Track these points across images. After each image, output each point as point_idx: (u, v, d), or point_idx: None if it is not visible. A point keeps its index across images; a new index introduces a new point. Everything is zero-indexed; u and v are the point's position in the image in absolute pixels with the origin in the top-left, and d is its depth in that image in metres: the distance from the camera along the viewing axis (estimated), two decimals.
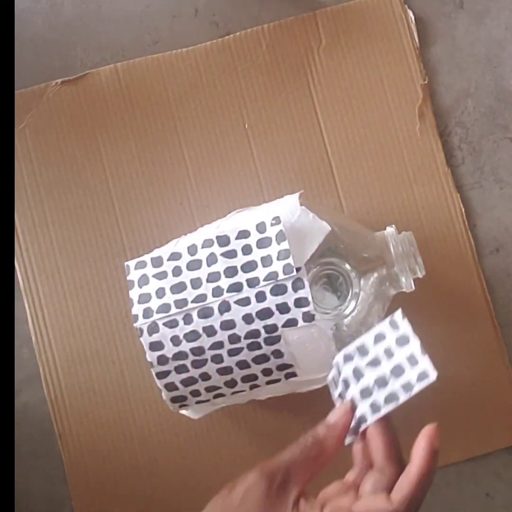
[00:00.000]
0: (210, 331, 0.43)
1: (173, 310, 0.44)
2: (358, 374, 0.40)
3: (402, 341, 0.39)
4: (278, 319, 0.43)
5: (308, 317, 0.43)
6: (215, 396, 0.46)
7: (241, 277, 0.43)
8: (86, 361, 0.53)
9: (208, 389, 0.45)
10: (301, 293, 0.43)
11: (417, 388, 0.38)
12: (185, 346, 0.44)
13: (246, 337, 0.43)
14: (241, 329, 0.43)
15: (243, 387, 0.45)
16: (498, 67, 0.57)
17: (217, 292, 0.43)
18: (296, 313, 0.43)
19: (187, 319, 0.44)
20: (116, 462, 0.53)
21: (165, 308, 0.44)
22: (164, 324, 0.44)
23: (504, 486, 0.54)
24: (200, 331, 0.43)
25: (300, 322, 0.43)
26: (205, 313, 0.43)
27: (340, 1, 0.56)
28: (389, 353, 0.39)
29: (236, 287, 0.43)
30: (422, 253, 0.47)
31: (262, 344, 0.43)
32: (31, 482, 0.53)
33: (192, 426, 0.52)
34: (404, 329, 0.39)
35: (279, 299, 0.43)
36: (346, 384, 0.40)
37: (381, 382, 0.38)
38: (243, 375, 0.45)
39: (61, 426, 0.53)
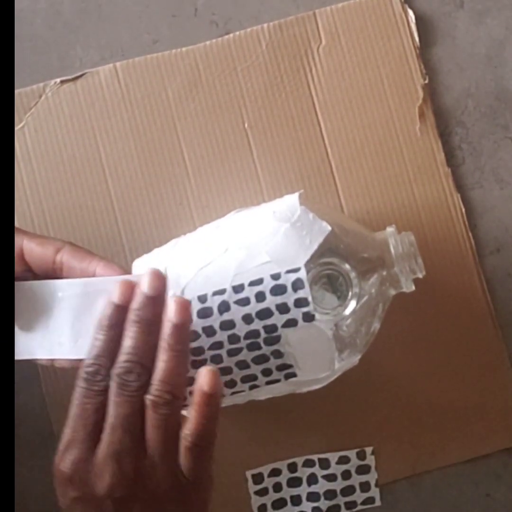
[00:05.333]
0: (209, 331, 0.43)
1: None
2: None
3: None
4: (277, 319, 0.43)
5: (308, 317, 0.43)
6: None
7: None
8: None
9: None
10: (301, 293, 0.42)
11: None
12: None
13: (245, 337, 0.43)
14: (241, 329, 0.43)
15: (242, 388, 0.45)
16: (499, 67, 0.57)
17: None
18: (296, 313, 0.43)
19: None
20: None
21: None
22: None
23: (504, 486, 0.54)
24: (200, 331, 0.43)
25: (300, 322, 0.43)
26: (205, 313, 0.43)
27: (340, 0, 0.56)
28: None
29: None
30: (422, 253, 0.47)
31: (262, 344, 0.43)
32: (31, 483, 0.53)
33: None
34: None
35: (279, 299, 0.43)
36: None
37: None
38: (242, 375, 0.44)
39: (60, 427, 0.53)
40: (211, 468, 0.40)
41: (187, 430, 0.39)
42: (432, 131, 0.55)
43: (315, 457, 0.53)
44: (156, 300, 0.40)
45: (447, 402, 0.54)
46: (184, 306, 0.39)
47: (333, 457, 0.53)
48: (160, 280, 0.40)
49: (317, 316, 0.43)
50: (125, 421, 0.38)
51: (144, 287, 0.39)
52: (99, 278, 0.43)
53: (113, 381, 0.38)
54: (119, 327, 0.39)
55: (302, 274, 0.43)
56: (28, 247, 0.44)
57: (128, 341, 0.39)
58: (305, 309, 0.43)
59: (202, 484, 0.40)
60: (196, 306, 0.43)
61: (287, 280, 0.43)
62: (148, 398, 0.38)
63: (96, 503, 0.38)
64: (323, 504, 0.53)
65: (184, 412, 0.40)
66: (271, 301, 0.43)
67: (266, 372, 0.44)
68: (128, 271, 0.44)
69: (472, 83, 0.57)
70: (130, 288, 0.40)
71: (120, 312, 0.39)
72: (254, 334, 0.43)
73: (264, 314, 0.43)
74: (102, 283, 0.42)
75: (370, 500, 0.53)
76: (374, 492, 0.53)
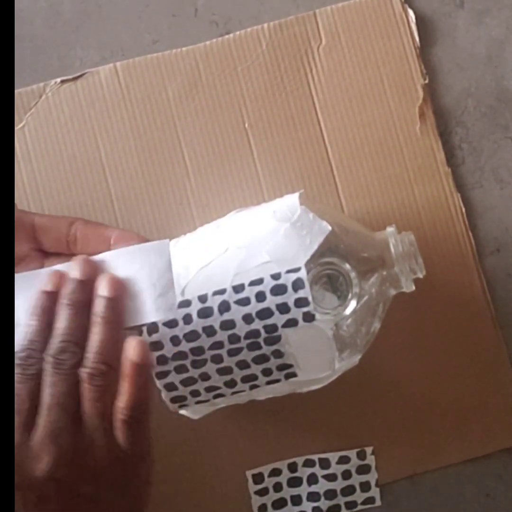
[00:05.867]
0: (209, 331, 0.43)
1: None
2: None
3: None
4: (278, 319, 0.43)
5: (308, 317, 0.43)
6: (215, 396, 0.46)
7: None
8: None
9: (208, 389, 0.45)
10: (301, 293, 0.42)
11: None
12: (185, 346, 0.44)
13: (246, 337, 0.43)
14: (241, 329, 0.43)
15: (243, 387, 0.45)
16: (499, 67, 0.57)
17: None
18: (296, 313, 0.43)
19: (187, 319, 0.43)
20: None
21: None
22: (163, 324, 0.44)
23: (504, 487, 0.54)
24: (200, 331, 0.43)
25: (300, 322, 0.43)
26: (205, 313, 0.43)
27: (340, 0, 0.56)
28: None
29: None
30: (423, 253, 0.47)
31: (262, 344, 0.43)
32: None
33: (192, 427, 0.52)
34: None
35: (279, 299, 0.43)
36: None
37: None
38: (243, 375, 0.44)
39: None
40: (149, 440, 0.41)
41: (120, 403, 0.39)
42: (432, 131, 0.55)
43: (315, 457, 0.53)
44: (86, 283, 0.40)
45: (447, 402, 0.54)
46: (114, 280, 0.41)
47: (333, 457, 0.53)
48: (89, 265, 0.41)
49: (317, 316, 0.43)
50: (61, 400, 0.38)
51: (75, 272, 0.40)
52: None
53: (47, 362, 0.39)
54: (50, 313, 0.40)
55: (303, 274, 0.43)
56: (40, 222, 0.44)
57: (61, 323, 0.39)
58: (305, 309, 0.43)
59: (141, 455, 0.41)
60: (196, 306, 0.43)
61: (288, 280, 0.43)
62: (83, 371, 0.39)
63: (37, 487, 0.37)
64: (324, 504, 0.53)
65: None
66: (271, 301, 0.43)
67: (267, 372, 0.44)
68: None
69: (472, 83, 0.57)
70: (59, 277, 0.40)
71: (50, 299, 0.40)
72: (254, 334, 0.43)
73: (265, 314, 0.43)
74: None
75: (370, 500, 0.53)
76: (374, 492, 0.53)
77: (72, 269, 0.41)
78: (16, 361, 0.39)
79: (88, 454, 0.39)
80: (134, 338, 0.40)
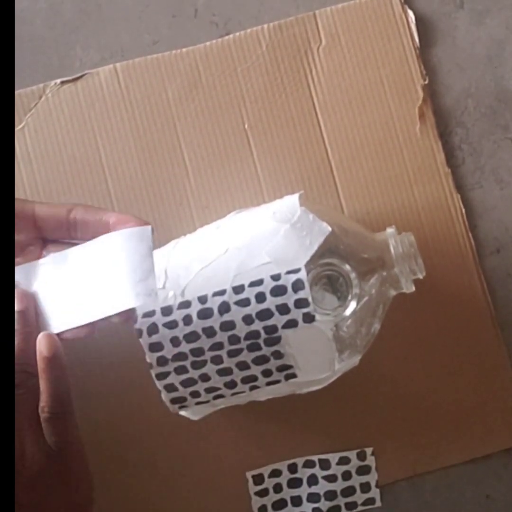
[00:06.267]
0: (209, 332, 0.43)
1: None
2: None
3: None
4: (278, 320, 0.43)
5: (308, 318, 0.43)
6: (215, 397, 0.46)
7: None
8: (85, 363, 0.53)
9: (208, 390, 0.45)
10: (301, 294, 0.42)
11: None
12: (185, 347, 0.44)
13: (246, 338, 0.43)
14: (241, 330, 0.43)
15: (243, 388, 0.45)
16: (499, 67, 0.57)
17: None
18: (296, 314, 0.43)
19: (187, 320, 0.43)
20: (115, 464, 0.53)
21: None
22: (163, 325, 0.44)
23: (504, 487, 0.54)
24: (200, 332, 0.43)
25: (300, 323, 0.43)
26: (205, 313, 0.43)
27: (340, 1, 0.56)
28: None
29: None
30: (422, 254, 0.47)
31: (262, 345, 0.43)
32: None
33: (192, 427, 0.52)
34: None
35: (279, 300, 0.43)
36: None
37: None
38: (243, 376, 0.44)
39: None
40: (76, 436, 0.41)
41: (42, 402, 0.40)
42: (432, 132, 0.55)
43: (315, 457, 0.53)
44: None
45: (447, 403, 0.54)
46: (20, 293, 0.42)
47: (333, 457, 0.53)
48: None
49: (317, 317, 0.43)
50: None
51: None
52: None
53: None
54: None
55: (302, 275, 0.43)
56: (40, 210, 0.44)
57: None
58: (305, 310, 0.43)
59: (72, 452, 0.41)
60: (196, 307, 0.43)
61: (287, 281, 0.43)
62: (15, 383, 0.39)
63: None
64: (324, 505, 0.53)
65: None
66: (271, 302, 0.43)
67: (267, 373, 0.44)
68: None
69: (472, 83, 0.57)
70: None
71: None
72: (254, 335, 0.43)
73: (264, 315, 0.43)
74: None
75: (371, 500, 0.53)
76: (375, 493, 0.53)
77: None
78: None
79: (21, 462, 0.39)
80: (42, 334, 0.41)
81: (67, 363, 0.41)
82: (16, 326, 0.41)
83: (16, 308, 0.42)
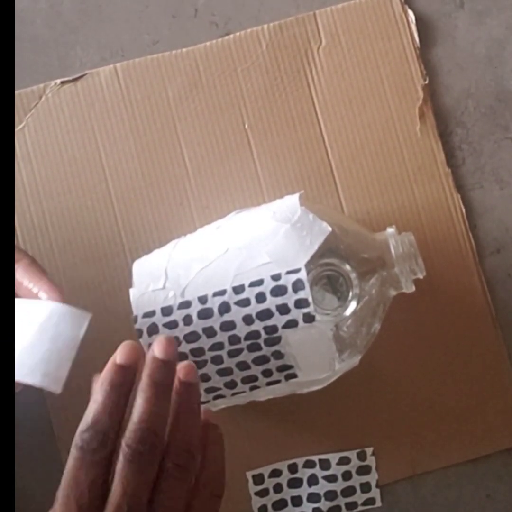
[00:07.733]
0: (209, 332, 0.43)
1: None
2: None
3: None
4: (278, 320, 0.43)
5: (309, 318, 0.43)
6: (215, 397, 0.46)
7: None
8: (85, 362, 0.53)
9: (208, 390, 0.45)
10: (301, 294, 0.42)
11: None
12: (185, 347, 0.44)
13: (246, 338, 0.43)
14: (241, 330, 0.43)
15: (243, 388, 0.45)
16: (499, 67, 0.57)
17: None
18: (296, 314, 0.43)
19: (187, 320, 0.43)
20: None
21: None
22: (163, 325, 0.44)
23: (504, 487, 0.54)
24: (200, 332, 0.43)
25: (301, 323, 0.43)
26: (205, 314, 0.43)
27: (340, 1, 0.56)
28: None
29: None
30: (423, 253, 0.47)
31: (262, 345, 0.43)
32: (30, 485, 0.53)
33: None
34: None
35: (279, 300, 0.43)
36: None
37: None
38: (243, 376, 0.44)
39: (60, 428, 0.53)
40: None
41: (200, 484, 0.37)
42: (432, 132, 0.55)
43: (315, 457, 0.53)
44: (169, 364, 0.37)
45: (447, 402, 0.54)
46: (192, 366, 0.38)
47: (333, 457, 0.53)
48: (172, 346, 0.37)
49: (317, 317, 0.43)
50: (132, 499, 0.34)
51: (158, 351, 0.37)
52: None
53: (122, 451, 0.34)
54: (121, 390, 0.36)
55: (303, 275, 0.43)
56: None
57: (140, 407, 0.35)
58: (305, 310, 0.42)
59: None
60: (196, 307, 0.43)
61: (288, 281, 0.43)
62: (169, 465, 0.35)
63: None
64: (324, 505, 0.53)
65: None
66: (271, 302, 0.43)
67: (267, 373, 0.44)
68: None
69: (472, 83, 0.57)
70: (134, 350, 0.37)
71: (123, 374, 0.37)
72: (254, 335, 0.43)
73: (265, 315, 0.43)
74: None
75: (371, 500, 0.53)
76: (375, 492, 0.53)
77: (155, 347, 0.37)
78: (77, 441, 0.34)
79: None
80: (213, 427, 0.38)
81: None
82: (189, 400, 0.37)
83: (189, 378, 0.38)
